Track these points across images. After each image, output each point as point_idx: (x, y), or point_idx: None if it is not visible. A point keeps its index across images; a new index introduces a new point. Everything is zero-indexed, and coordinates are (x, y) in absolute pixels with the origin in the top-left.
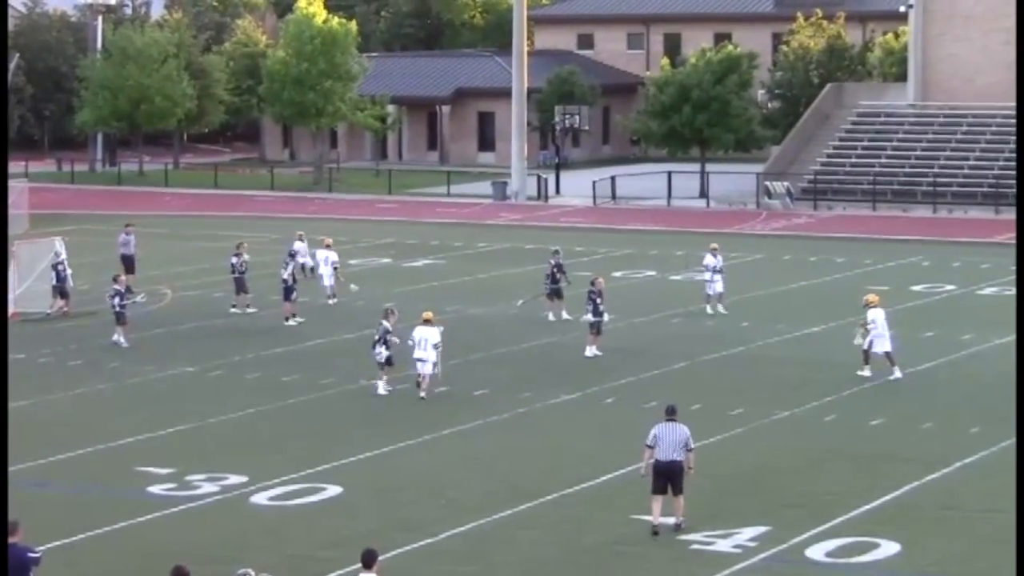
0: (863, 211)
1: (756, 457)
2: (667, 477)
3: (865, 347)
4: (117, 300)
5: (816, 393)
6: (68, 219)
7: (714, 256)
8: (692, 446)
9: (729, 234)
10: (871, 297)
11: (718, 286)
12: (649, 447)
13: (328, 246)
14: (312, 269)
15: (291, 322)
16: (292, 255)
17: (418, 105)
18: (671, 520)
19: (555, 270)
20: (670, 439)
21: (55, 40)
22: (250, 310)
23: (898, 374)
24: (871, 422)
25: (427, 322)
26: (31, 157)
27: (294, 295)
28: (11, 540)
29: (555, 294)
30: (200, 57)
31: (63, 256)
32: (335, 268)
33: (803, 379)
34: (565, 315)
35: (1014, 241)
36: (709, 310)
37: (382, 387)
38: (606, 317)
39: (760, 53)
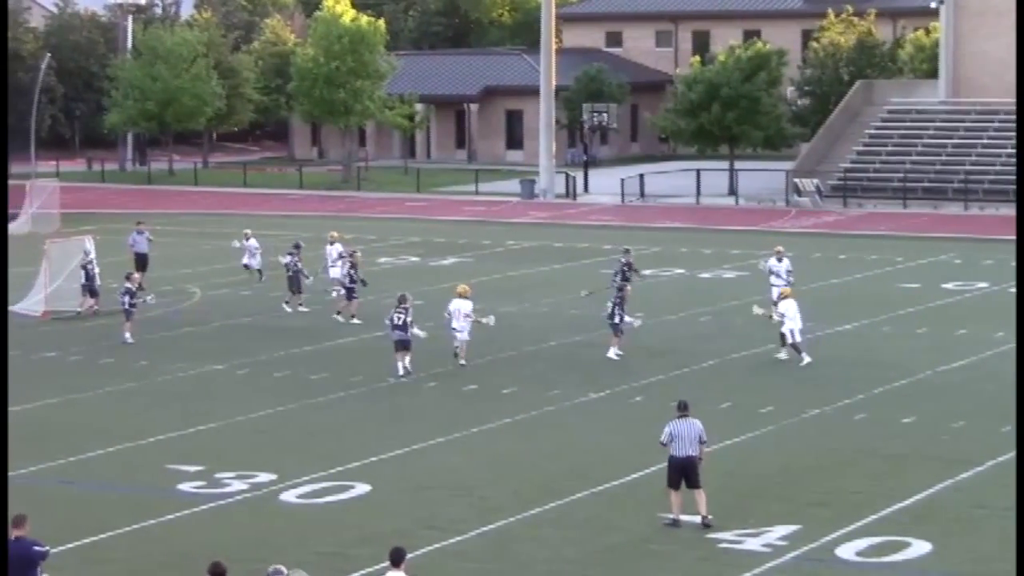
0: (893, 208)
1: (786, 455)
2: (683, 472)
3: (790, 340)
4: (127, 298)
5: (846, 391)
6: (98, 218)
7: (779, 260)
8: (706, 439)
9: (758, 232)
10: (785, 290)
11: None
12: (664, 445)
13: (333, 241)
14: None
15: (355, 320)
16: (341, 256)
17: (446, 103)
18: (696, 519)
19: (625, 268)
20: (686, 435)
21: (86, 40)
22: (303, 309)
23: (807, 359)
24: (902, 420)
25: (461, 295)
26: (62, 157)
27: (355, 295)
28: (18, 533)
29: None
30: (229, 56)
31: (92, 255)
32: (342, 259)
33: (833, 377)
34: (628, 318)
35: None
36: (775, 317)
37: (401, 368)
38: (627, 320)
39: (789, 50)
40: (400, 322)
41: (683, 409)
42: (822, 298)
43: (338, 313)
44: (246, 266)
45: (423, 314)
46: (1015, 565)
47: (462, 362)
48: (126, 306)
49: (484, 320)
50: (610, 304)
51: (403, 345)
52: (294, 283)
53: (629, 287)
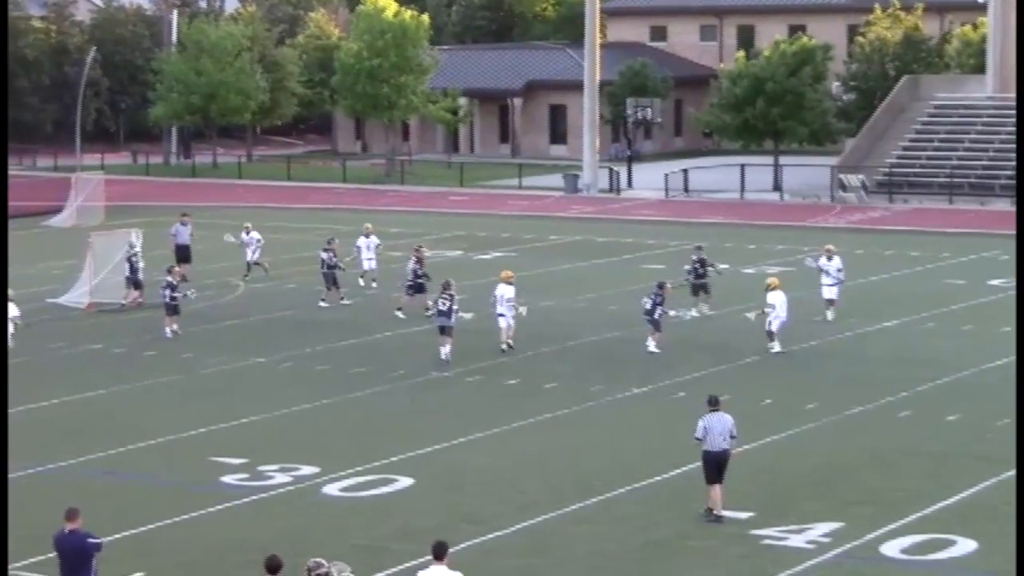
0: (939, 205)
1: (829, 453)
2: (718, 466)
3: (767, 328)
4: (168, 291)
5: (890, 388)
6: (143, 211)
7: (828, 259)
8: (736, 434)
9: (803, 228)
10: (772, 280)
11: (831, 292)
12: (699, 439)
13: (368, 233)
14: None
15: (428, 313)
16: (419, 259)
17: (490, 98)
18: (737, 514)
19: (698, 265)
20: (718, 429)
21: (131, 34)
22: (345, 302)
23: (777, 348)
24: (947, 418)
25: (505, 280)
26: (107, 150)
27: (424, 289)
28: (71, 527)
29: (700, 288)
30: (273, 50)
31: (137, 248)
32: (377, 252)
33: (877, 374)
34: (707, 310)
35: None
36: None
37: (444, 353)
38: (670, 312)
39: (835, 45)
40: (444, 308)
41: (714, 404)
42: (866, 294)
43: (399, 309)
44: (248, 263)
45: (466, 308)
46: (1015, 565)
47: (508, 344)
48: (167, 299)
49: (519, 310)
50: (649, 300)
51: (445, 331)
52: (330, 279)
53: (670, 285)
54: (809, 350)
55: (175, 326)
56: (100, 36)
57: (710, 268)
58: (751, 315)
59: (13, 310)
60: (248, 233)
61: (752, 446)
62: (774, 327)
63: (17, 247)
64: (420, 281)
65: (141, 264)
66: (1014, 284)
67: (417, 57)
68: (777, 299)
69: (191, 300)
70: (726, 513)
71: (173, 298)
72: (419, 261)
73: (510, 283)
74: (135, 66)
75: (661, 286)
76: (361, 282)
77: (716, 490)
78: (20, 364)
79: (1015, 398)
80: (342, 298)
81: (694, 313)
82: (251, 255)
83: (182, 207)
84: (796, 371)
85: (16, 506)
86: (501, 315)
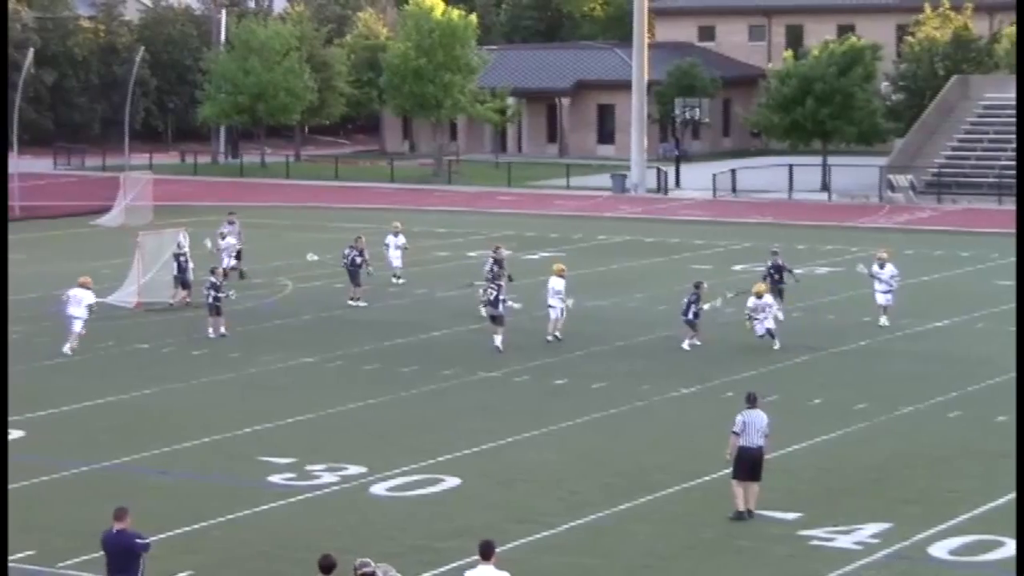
0: (988, 205)
1: (879, 452)
2: (753, 463)
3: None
4: (212, 292)
5: (941, 388)
6: (191, 211)
7: (881, 266)
8: (769, 433)
9: (851, 228)
10: (760, 287)
11: (882, 298)
12: (736, 434)
13: (398, 231)
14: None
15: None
16: (403, 248)
17: (538, 97)
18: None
19: (772, 271)
20: (756, 426)
21: (179, 33)
22: (361, 304)
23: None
24: (997, 418)
25: (557, 274)
26: (155, 149)
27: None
28: (119, 526)
29: (778, 294)
30: (322, 50)
31: (185, 247)
32: (403, 250)
33: (927, 374)
34: (781, 316)
35: None
36: (883, 321)
37: (498, 340)
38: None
39: (884, 45)
40: (492, 297)
41: (751, 401)
42: (916, 294)
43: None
44: (232, 269)
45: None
46: (1015, 565)
47: (555, 336)
48: (210, 300)
49: (567, 302)
50: (685, 300)
51: (496, 320)
52: (354, 276)
53: (706, 285)
54: (859, 350)
55: (222, 328)
56: (149, 35)
57: (787, 273)
58: (716, 303)
59: (89, 297)
60: (224, 239)
61: (801, 446)
62: (758, 329)
63: (66, 246)
64: (499, 282)
65: (190, 264)
66: None
67: (465, 57)
68: (762, 303)
69: (232, 300)
70: (774, 514)
71: (216, 298)
72: (498, 262)
73: (562, 276)
74: (183, 66)
75: (697, 286)
76: (395, 280)
77: (739, 487)
78: (69, 363)
79: (1016, 397)
80: (358, 298)
81: (717, 304)
82: (228, 261)
83: (230, 207)
84: (846, 371)
85: (65, 504)
86: (551, 307)
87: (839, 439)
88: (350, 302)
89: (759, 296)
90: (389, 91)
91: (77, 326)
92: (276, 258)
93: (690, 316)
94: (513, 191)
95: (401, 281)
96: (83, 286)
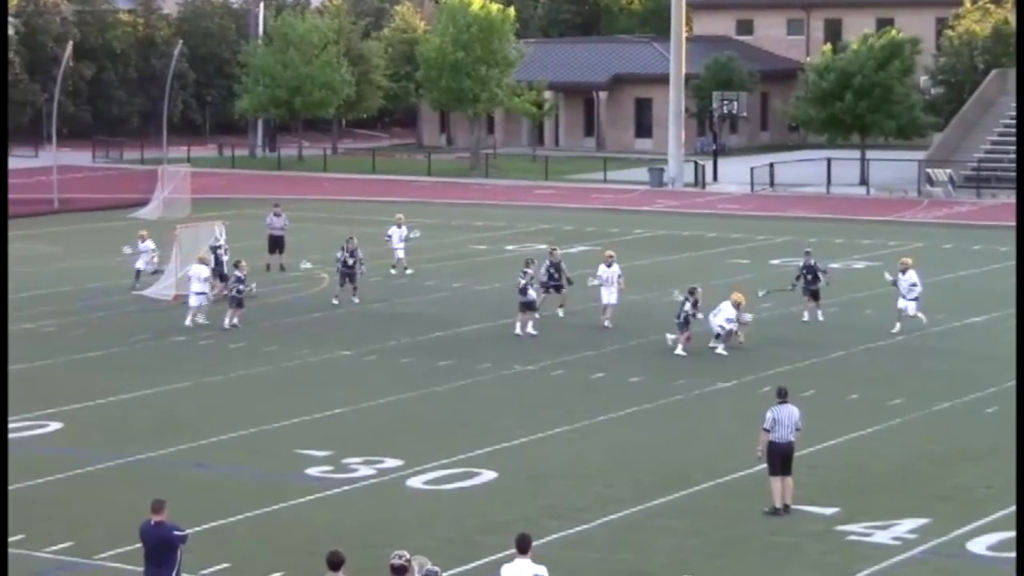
0: None
1: (915, 448)
2: (783, 457)
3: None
4: (239, 286)
5: (977, 384)
6: (228, 204)
7: (903, 272)
8: (801, 427)
9: (890, 222)
10: (737, 296)
11: (901, 302)
12: (767, 431)
13: (400, 223)
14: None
15: (560, 312)
16: (405, 239)
17: (575, 91)
18: (816, 510)
19: (804, 271)
20: (786, 420)
21: (218, 27)
22: (355, 300)
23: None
24: None
25: (607, 261)
26: (193, 142)
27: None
28: (157, 519)
29: (812, 295)
30: (359, 43)
31: (222, 240)
32: (406, 242)
33: (964, 370)
34: (820, 316)
35: None
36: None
37: (519, 328)
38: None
39: (923, 38)
40: (521, 286)
41: (782, 396)
42: (954, 289)
43: (561, 307)
44: (138, 271)
45: (551, 301)
46: (1015, 565)
47: (607, 324)
48: (234, 293)
49: (594, 282)
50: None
51: (526, 307)
52: (345, 278)
53: (700, 290)
54: (895, 345)
55: (235, 319)
56: (187, 29)
57: (821, 274)
58: (747, 317)
59: (205, 271)
60: (143, 242)
61: (838, 441)
62: (721, 324)
63: (104, 239)
64: (558, 283)
65: (226, 257)
66: None
67: (502, 50)
68: (726, 307)
69: (255, 294)
70: (811, 509)
71: (239, 291)
72: (554, 265)
73: (610, 264)
74: (221, 59)
75: (692, 291)
76: (393, 271)
77: (777, 482)
78: (106, 356)
79: (1016, 396)
80: (353, 295)
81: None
82: (143, 264)
83: (268, 199)
84: (882, 366)
85: (102, 497)
86: (610, 292)
87: (875, 435)
88: (334, 301)
89: (737, 305)
90: (425, 85)
91: (194, 301)
92: (313, 251)
93: (682, 319)
94: (550, 185)
95: (409, 271)
96: (201, 262)
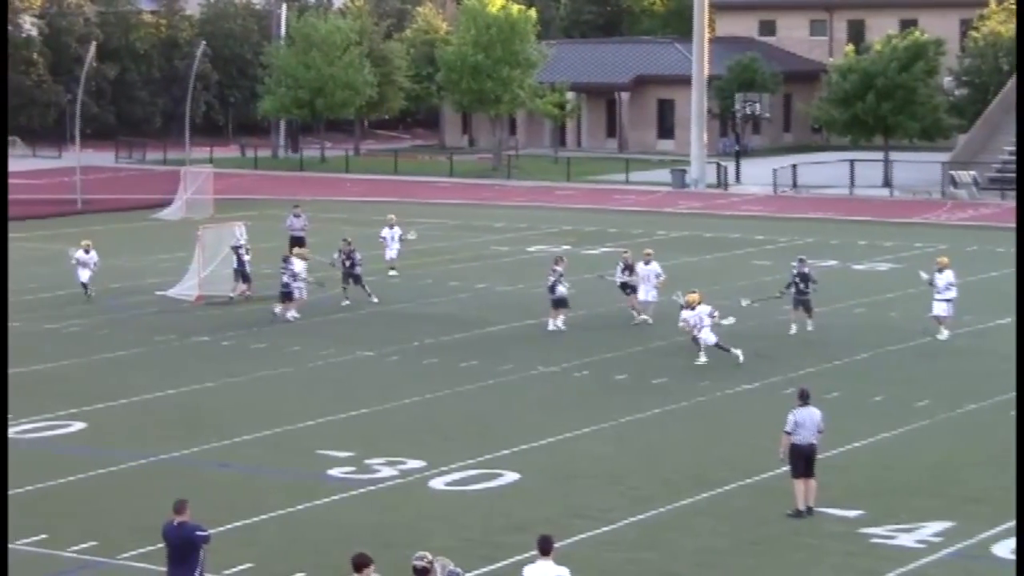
0: None
1: (941, 450)
2: (806, 459)
3: (707, 339)
4: (293, 280)
5: (1004, 386)
6: (251, 204)
7: (939, 271)
8: (823, 428)
9: (913, 224)
10: (691, 296)
11: (940, 307)
12: (788, 433)
13: (392, 224)
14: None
15: (642, 317)
16: (402, 239)
17: (598, 92)
18: (837, 511)
19: (797, 279)
20: (808, 423)
21: (240, 28)
22: (345, 302)
23: (703, 359)
24: None
25: (645, 259)
26: (215, 143)
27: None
28: (180, 519)
29: (803, 305)
30: (381, 44)
31: (243, 240)
32: (401, 241)
33: (991, 371)
34: (810, 326)
35: None
36: (942, 335)
37: (552, 324)
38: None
39: (947, 40)
40: (550, 283)
41: (804, 398)
42: (980, 291)
43: (636, 311)
44: (84, 284)
45: (576, 302)
46: (1015, 565)
47: (642, 320)
48: (289, 288)
49: (611, 277)
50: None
51: (554, 304)
52: (348, 277)
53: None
54: (921, 347)
55: (288, 313)
56: (210, 30)
57: (813, 284)
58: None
59: (301, 265)
60: (88, 252)
61: (863, 443)
62: (702, 335)
63: (127, 240)
64: (631, 282)
65: (247, 257)
66: None
67: (524, 51)
68: (702, 311)
69: (320, 283)
70: (835, 511)
71: (286, 284)
72: (628, 267)
73: (648, 262)
74: (244, 60)
75: (627, 266)
76: (392, 273)
77: (800, 484)
78: (130, 356)
79: (1016, 396)
80: (345, 297)
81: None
82: (87, 278)
83: (290, 200)
84: (908, 368)
85: (125, 497)
86: (647, 291)
87: (901, 436)
88: (345, 302)
89: (691, 306)
90: (446, 87)
91: (296, 293)
92: (335, 252)
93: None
94: (572, 186)
95: (392, 274)
96: (299, 257)
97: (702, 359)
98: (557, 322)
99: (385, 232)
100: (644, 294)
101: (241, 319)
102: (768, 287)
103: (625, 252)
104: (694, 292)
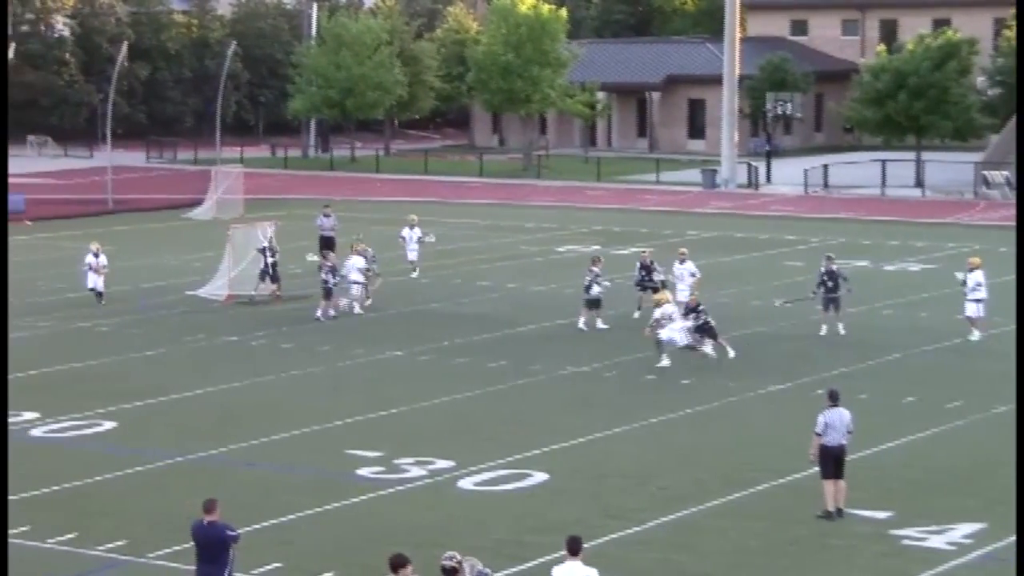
0: None
1: (973, 452)
2: (835, 460)
3: (664, 339)
4: (330, 276)
5: None
6: (281, 204)
7: (970, 271)
8: (852, 429)
9: (945, 224)
10: (661, 296)
11: (970, 308)
12: (818, 435)
13: (413, 224)
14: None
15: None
16: (420, 240)
17: (628, 92)
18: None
19: (825, 277)
20: (838, 424)
21: (271, 27)
22: (356, 311)
23: (665, 362)
24: None
25: (680, 258)
26: (246, 143)
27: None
28: (210, 518)
29: (832, 304)
30: (412, 44)
31: (267, 242)
32: (419, 243)
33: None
34: (842, 329)
35: None
36: (974, 336)
37: (582, 323)
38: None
39: (981, 39)
40: (586, 283)
41: (833, 399)
42: (1011, 292)
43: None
44: (93, 290)
45: (608, 303)
46: (1015, 564)
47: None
48: (330, 285)
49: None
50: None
51: (587, 304)
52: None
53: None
54: (953, 348)
55: (331, 311)
56: (241, 30)
57: (842, 281)
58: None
59: (361, 262)
60: (97, 256)
61: (894, 444)
62: (663, 335)
63: (158, 239)
64: (652, 284)
65: (271, 259)
66: None
67: (554, 51)
68: (669, 310)
69: (377, 272)
70: (865, 512)
71: (325, 281)
72: (644, 267)
73: (683, 261)
74: (275, 60)
75: (594, 260)
76: (413, 275)
77: (830, 486)
78: (160, 355)
79: (1016, 397)
80: (362, 303)
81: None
82: (101, 283)
83: (320, 200)
84: (940, 368)
85: (155, 496)
86: (680, 290)
87: (932, 437)
88: (367, 301)
89: (658, 305)
90: (476, 87)
91: (355, 290)
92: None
93: (591, 295)
94: (602, 186)
95: (414, 275)
96: (359, 253)
97: (664, 362)
98: (590, 321)
99: (405, 232)
100: (680, 293)
101: (271, 319)
102: (800, 287)
103: (644, 252)
104: (662, 292)
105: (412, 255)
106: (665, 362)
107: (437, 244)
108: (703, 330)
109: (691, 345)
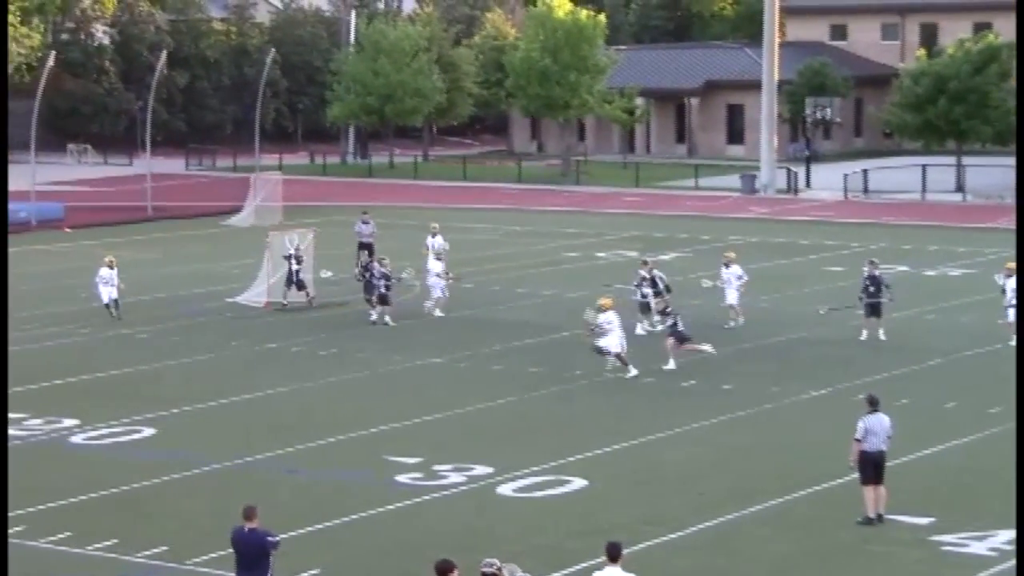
0: None
1: (1014, 457)
2: (875, 466)
3: (601, 346)
4: (383, 281)
5: None
6: (319, 211)
7: (1008, 276)
8: (891, 434)
9: (986, 229)
10: (605, 302)
11: (1011, 314)
12: (858, 440)
13: (435, 233)
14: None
15: (738, 321)
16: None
17: (667, 97)
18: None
19: (867, 282)
20: (878, 429)
21: (309, 35)
22: (377, 321)
23: (633, 372)
24: None
25: (726, 262)
26: (285, 150)
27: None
28: (250, 525)
29: (873, 310)
30: (450, 50)
31: (292, 249)
32: (445, 252)
33: None
34: (883, 335)
35: None
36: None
37: (639, 328)
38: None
39: None
40: (635, 286)
41: (873, 404)
42: None
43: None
44: (108, 304)
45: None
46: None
47: (731, 324)
48: (382, 289)
49: (709, 283)
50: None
51: (642, 309)
52: (368, 288)
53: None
54: (994, 352)
55: (386, 316)
56: (279, 37)
57: (885, 289)
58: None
59: (439, 267)
60: (112, 267)
61: (935, 450)
62: (602, 343)
63: (198, 246)
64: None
65: (296, 266)
66: None
67: (592, 56)
68: (612, 318)
69: (412, 283)
70: (906, 518)
71: (387, 287)
72: (644, 280)
73: (728, 265)
74: (313, 67)
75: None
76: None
77: (870, 491)
78: (198, 363)
79: (1016, 398)
80: (371, 312)
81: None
82: (107, 295)
83: (359, 207)
84: (980, 374)
85: (195, 502)
86: (729, 294)
87: (973, 443)
88: (373, 318)
89: (601, 311)
90: (515, 92)
91: (436, 291)
92: (403, 258)
93: (639, 297)
94: (641, 191)
95: (417, 283)
96: (436, 258)
97: (610, 364)
98: (647, 327)
99: (429, 241)
100: (729, 297)
101: (310, 325)
102: (841, 293)
103: (644, 262)
104: (608, 298)
105: (435, 267)
106: (671, 365)
107: (474, 251)
108: (674, 334)
109: (619, 355)
